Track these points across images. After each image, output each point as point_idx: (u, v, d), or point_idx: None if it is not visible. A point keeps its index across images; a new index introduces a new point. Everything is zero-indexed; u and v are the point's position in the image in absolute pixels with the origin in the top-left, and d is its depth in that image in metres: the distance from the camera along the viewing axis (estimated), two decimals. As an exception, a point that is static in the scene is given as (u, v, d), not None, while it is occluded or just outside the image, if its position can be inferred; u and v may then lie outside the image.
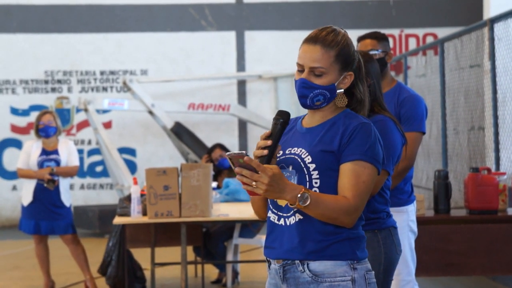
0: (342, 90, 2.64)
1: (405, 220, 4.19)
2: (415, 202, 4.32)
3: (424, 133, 4.33)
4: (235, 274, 7.38)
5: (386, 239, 3.43)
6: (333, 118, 2.65)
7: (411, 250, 4.25)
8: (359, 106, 2.70)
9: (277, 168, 2.46)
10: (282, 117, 2.57)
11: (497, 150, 7.40)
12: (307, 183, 2.57)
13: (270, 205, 2.65)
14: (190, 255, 7.67)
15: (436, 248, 5.32)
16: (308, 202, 2.47)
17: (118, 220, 6.08)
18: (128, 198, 6.23)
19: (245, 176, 2.45)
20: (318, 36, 2.61)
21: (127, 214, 6.16)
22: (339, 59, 2.60)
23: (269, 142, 2.52)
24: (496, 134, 7.42)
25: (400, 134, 3.50)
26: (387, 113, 3.52)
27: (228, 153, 2.45)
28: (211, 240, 7.26)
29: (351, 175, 2.54)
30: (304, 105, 2.64)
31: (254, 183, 2.44)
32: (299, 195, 2.47)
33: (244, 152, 2.44)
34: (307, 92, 2.61)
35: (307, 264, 2.57)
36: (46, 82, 13.80)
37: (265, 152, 2.51)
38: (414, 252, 4.28)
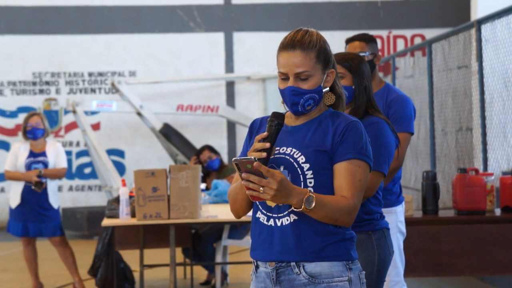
0: (328, 88, 2.66)
1: (394, 221, 4.20)
2: (403, 203, 4.33)
3: (412, 133, 4.34)
4: (224, 275, 7.38)
5: (379, 240, 3.44)
6: (318, 117, 2.66)
7: (400, 251, 4.26)
8: (339, 101, 2.72)
9: (281, 173, 2.46)
10: (278, 119, 2.57)
11: (484, 151, 7.42)
12: (302, 183, 2.57)
13: (260, 206, 2.63)
14: (179, 256, 7.67)
15: (424, 249, 5.33)
16: (313, 205, 2.47)
17: (106, 222, 6.07)
18: (117, 200, 6.22)
19: (252, 182, 2.43)
20: (295, 41, 2.60)
21: (115, 216, 6.15)
22: (320, 59, 2.62)
23: (267, 145, 2.52)
24: (484, 135, 7.45)
25: (394, 136, 3.51)
26: (381, 115, 3.52)
27: (234, 158, 2.43)
28: (200, 242, 7.25)
29: (347, 174, 2.55)
30: (296, 112, 2.63)
31: (261, 188, 2.43)
32: (305, 199, 2.47)
33: (253, 157, 2.42)
34: (297, 99, 2.61)
35: (303, 266, 2.57)
36: (34, 83, 13.75)
37: (264, 154, 2.50)
38: (402, 253, 4.29)
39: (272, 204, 2.60)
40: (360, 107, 3.49)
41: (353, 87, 3.50)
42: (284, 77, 2.62)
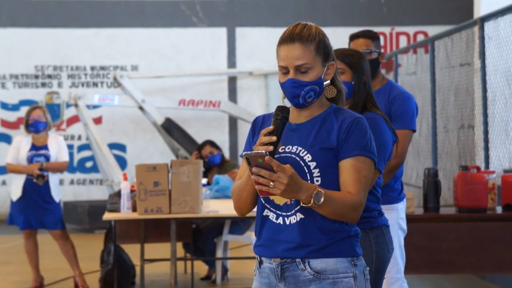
0: (329, 81, 2.66)
1: (395, 218, 4.20)
2: (404, 200, 4.33)
3: (414, 130, 4.34)
4: (225, 270, 7.38)
5: (377, 238, 3.43)
6: (322, 113, 2.66)
7: (401, 248, 4.26)
8: (339, 96, 2.72)
9: (291, 167, 2.45)
10: (283, 113, 2.56)
11: (486, 149, 7.42)
12: (308, 181, 2.56)
13: (267, 204, 2.63)
14: (180, 251, 7.67)
15: (425, 246, 5.33)
16: (321, 201, 2.47)
17: (107, 216, 6.08)
18: (118, 194, 6.22)
19: (262, 177, 2.42)
20: (294, 34, 2.61)
21: (117, 210, 6.16)
22: (320, 51, 2.62)
23: (274, 138, 2.50)
24: (486, 132, 7.45)
25: (391, 132, 3.51)
26: (379, 111, 3.52)
27: (245, 152, 2.42)
28: (200, 237, 7.26)
29: (353, 171, 2.56)
30: (297, 105, 2.63)
31: (272, 183, 2.43)
32: (314, 194, 2.47)
33: (264, 151, 2.41)
34: (298, 91, 2.60)
35: (308, 262, 2.57)
36: (36, 77, 13.76)
37: (271, 148, 2.49)
38: (403, 249, 4.30)
39: (280, 202, 2.60)
40: (358, 103, 3.50)
41: (353, 82, 3.51)
42: (285, 71, 2.62)
